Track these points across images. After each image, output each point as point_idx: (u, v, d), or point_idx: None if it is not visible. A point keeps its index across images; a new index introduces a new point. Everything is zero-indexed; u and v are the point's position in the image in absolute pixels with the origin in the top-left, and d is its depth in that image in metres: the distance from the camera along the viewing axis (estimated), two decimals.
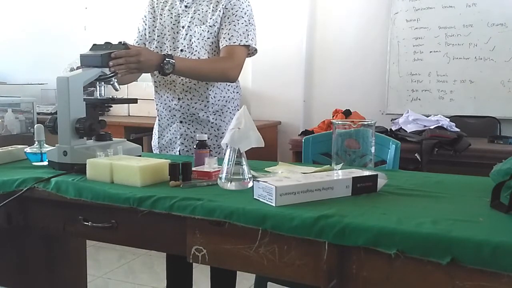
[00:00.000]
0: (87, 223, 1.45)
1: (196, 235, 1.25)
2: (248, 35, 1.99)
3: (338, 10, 3.94)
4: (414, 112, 3.36)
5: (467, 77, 3.59)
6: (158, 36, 2.07)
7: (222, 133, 2.05)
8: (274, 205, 1.18)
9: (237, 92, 2.15)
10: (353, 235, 1.05)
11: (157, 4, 2.12)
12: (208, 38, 1.99)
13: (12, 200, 1.45)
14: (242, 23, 1.97)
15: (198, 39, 1.99)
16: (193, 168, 1.50)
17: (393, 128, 3.29)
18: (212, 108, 2.05)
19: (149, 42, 2.10)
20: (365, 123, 1.58)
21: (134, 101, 1.97)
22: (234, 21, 1.97)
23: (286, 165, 1.73)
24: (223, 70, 1.96)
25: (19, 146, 1.86)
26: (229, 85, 2.09)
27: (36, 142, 1.73)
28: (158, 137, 2.15)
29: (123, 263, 3.31)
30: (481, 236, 0.97)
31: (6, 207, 1.47)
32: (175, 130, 2.09)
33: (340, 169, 1.47)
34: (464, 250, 0.96)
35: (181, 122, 2.07)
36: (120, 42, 1.79)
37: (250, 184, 1.35)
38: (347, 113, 3.50)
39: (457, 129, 3.18)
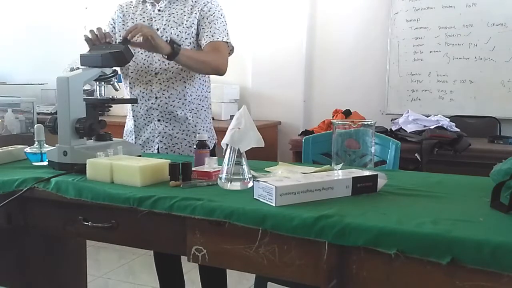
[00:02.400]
0: (87, 223, 1.45)
1: (196, 235, 1.25)
2: (227, 33, 2.10)
3: (338, 10, 3.94)
4: (414, 112, 3.36)
5: (467, 77, 3.59)
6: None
7: (199, 129, 2.12)
8: (274, 205, 1.18)
9: (209, 91, 2.22)
10: (353, 235, 1.05)
11: (126, 9, 2.17)
12: (186, 39, 2.05)
13: (12, 200, 1.45)
14: (221, 23, 2.08)
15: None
16: (193, 168, 1.50)
17: (393, 128, 3.29)
18: (189, 106, 2.10)
19: None
20: (365, 123, 1.58)
21: (134, 101, 1.97)
22: (213, 21, 2.06)
23: (286, 165, 1.73)
24: (217, 63, 2.04)
25: (19, 146, 1.86)
26: (203, 84, 2.15)
27: (36, 142, 1.73)
28: (135, 138, 2.16)
29: (123, 263, 3.31)
30: (481, 236, 0.97)
31: (6, 207, 1.47)
32: (152, 129, 2.11)
33: (340, 169, 1.47)
34: (464, 250, 0.95)
35: (158, 120, 2.10)
36: (120, 42, 1.80)
37: (250, 184, 1.35)
38: (347, 113, 3.50)
39: (457, 129, 3.18)
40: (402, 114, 3.39)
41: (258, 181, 1.25)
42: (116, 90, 1.79)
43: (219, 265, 1.29)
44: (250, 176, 1.37)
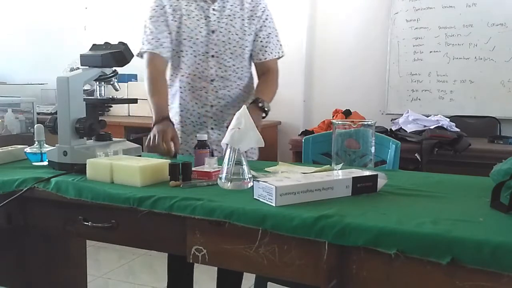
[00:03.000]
0: (87, 223, 1.45)
1: (196, 235, 1.25)
2: (281, 45, 2.09)
3: (338, 10, 3.94)
4: (414, 112, 3.36)
5: (467, 77, 3.59)
6: (184, 39, 1.97)
7: None
8: (274, 205, 1.18)
9: None
10: (353, 235, 1.05)
11: (176, 4, 1.98)
12: (247, 47, 2.00)
13: (12, 200, 1.45)
14: (275, 34, 2.07)
15: (235, 46, 1.98)
16: (193, 168, 1.50)
17: (393, 128, 3.29)
18: None
19: (176, 45, 1.99)
20: (365, 123, 1.58)
21: (134, 101, 1.97)
22: (270, 33, 2.04)
23: (286, 165, 1.73)
24: (277, 88, 2.08)
25: (19, 146, 1.86)
26: (252, 91, 2.10)
27: (36, 142, 1.73)
28: (181, 143, 2.04)
29: (123, 263, 3.31)
30: (481, 236, 0.97)
31: (6, 207, 1.47)
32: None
33: (340, 169, 1.47)
34: (464, 250, 0.96)
35: (212, 129, 2.02)
36: (120, 42, 1.80)
37: (250, 184, 1.35)
38: (347, 113, 3.50)
39: (457, 129, 3.18)
40: (402, 114, 3.39)
41: (258, 181, 1.25)
42: (116, 90, 1.79)
43: (219, 265, 1.29)
44: (250, 176, 1.37)
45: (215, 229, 1.21)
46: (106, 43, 1.77)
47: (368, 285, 1.07)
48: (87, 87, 2.12)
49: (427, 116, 3.30)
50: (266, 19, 2.04)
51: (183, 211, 1.24)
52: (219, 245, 1.22)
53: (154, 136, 1.76)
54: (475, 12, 3.52)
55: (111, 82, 1.75)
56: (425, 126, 3.17)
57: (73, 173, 1.53)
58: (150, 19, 1.98)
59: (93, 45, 1.78)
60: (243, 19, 1.99)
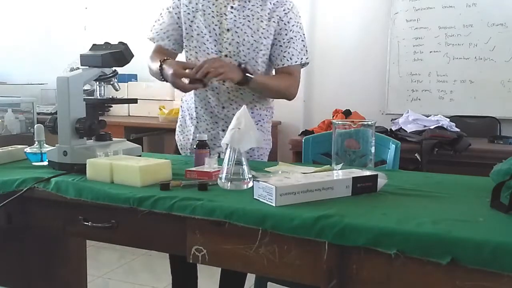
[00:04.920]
0: (87, 223, 1.45)
1: (196, 235, 1.25)
2: (306, 51, 1.97)
3: (338, 10, 3.94)
4: (414, 112, 3.37)
5: (467, 77, 3.59)
6: (197, 34, 1.92)
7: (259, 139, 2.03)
8: (274, 205, 1.18)
9: (273, 100, 2.10)
10: (353, 235, 1.05)
11: None
12: (261, 50, 1.91)
13: (12, 200, 1.45)
14: (299, 39, 1.94)
15: (249, 48, 1.90)
16: (193, 168, 1.50)
17: (393, 128, 3.29)
18: (255, 118, 1.99)
19: (187, 40, 1.95)
20: (365, 123, 1.58)
21: (134, 101, 1.97)
22: (292, 38, 1.93)
23: (286, 165, 1.73)
24: (289, 91, 1.96)
25: (19, 146, 1.86)
26: (267, 106, 2.04)
27: (36, 142, 1.73)
28: (192, 139, 2.02)
29: (123, 263, 3.31)
30: (481, 236, 0.97)
31: (6, 207, 1.47)
32: (214, 137, 1.99)
33: (340, 169, 1.47)
34: (464, 250, 0.96)
35: (223, 130, 1.95)
36: (120, 42, 1.80)
37: (250, 184, 1.35)
38: (347, 113, 3.50)
39: (457, 129, 3.18)
40: (402, 114, 3.39)
41: (258, 181, 1.25)
42: (116, 90, 1.79)
43: (219, 265, 1.29)
44: (250, 176, 1.37)
45: (215, 229, 1.21)
46: (106, 43, 1.77)
47: (368, 285, 1.07)
48: (87, 87, 2.12)
49: (427, 116, 3.30)
50: (289, 22, 1.92)
51: (183, 211, 1.24)
52: (219, 245, 1.22)
53: (173, 83, 1.78)
54: (475, 12, 3.52)
55: (111, 82, 1.75)
56: (425, 126, 3.17)
57: (73, 173, 1.53)
58: (168, 8, 1.98)
59: (93, 45, 1.78)
60: (261, 20, 1.90)
